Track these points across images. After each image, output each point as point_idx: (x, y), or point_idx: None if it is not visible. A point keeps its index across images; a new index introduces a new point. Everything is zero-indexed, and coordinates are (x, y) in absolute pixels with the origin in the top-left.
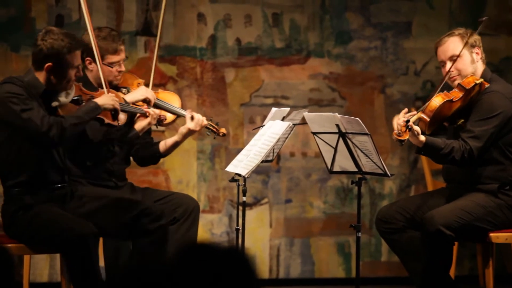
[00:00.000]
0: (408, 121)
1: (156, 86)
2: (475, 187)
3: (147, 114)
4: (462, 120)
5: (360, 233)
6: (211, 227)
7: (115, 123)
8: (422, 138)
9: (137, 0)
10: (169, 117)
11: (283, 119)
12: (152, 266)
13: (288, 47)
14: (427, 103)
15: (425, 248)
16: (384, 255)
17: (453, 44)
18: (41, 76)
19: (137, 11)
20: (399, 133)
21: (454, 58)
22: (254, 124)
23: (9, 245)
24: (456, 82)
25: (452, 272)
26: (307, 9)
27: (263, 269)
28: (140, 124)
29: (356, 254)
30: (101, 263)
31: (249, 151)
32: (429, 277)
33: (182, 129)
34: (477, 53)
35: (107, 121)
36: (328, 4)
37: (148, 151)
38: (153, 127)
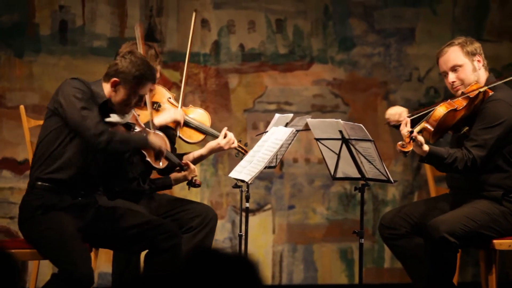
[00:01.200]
0: (412, 132)
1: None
2: (479, 194)
3: (186, 167)
4: (467, 128)
5: (363, 240)
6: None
7: (156, 164)
8: (426, 148)
9: (141, 6)
10: (199, 136)
11: (286, 125)
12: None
13: (291, 53)
14: (431, 112)
15: (429, 255)
16: (387, 262)
17: (453, 54)
18: (106, 89)
19: (140, 17)
20: (403, 145)
21: (455, 68)
22: (257, 130)
23: (18, 250)
24: (460, 92)
25: (455, 279)
26: (310, 15)
27: (266, 275)
28: (175, 175)
29: (359, 260)
30: (108, 269)
31: (252, 157)
32: (432, 284)
33: (212, 143)
34: (478, 60)
35: (148, 158)
36: (332, 10)
37: (144, 194)
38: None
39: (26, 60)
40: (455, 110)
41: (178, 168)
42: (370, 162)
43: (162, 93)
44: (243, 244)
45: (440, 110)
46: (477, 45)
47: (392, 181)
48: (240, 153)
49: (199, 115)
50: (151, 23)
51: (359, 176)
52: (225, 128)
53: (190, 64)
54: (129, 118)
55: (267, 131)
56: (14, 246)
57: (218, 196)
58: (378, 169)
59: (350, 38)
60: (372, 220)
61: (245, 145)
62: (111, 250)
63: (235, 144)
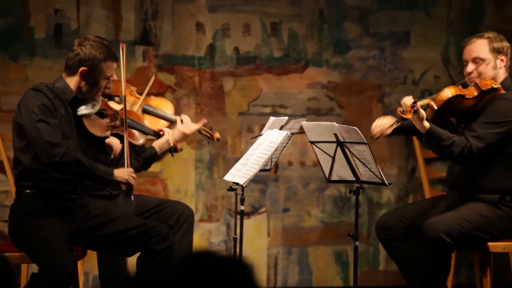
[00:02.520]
0: (415, 102)
1: (154, 95)
2: (476, 197)
3: (162, 133)
4: (470, 123)
5: (358, 242)
6: (209, 236)
7: (136, 141)
8: (427, 124)
9: (136, 9)
10: (162, 123)
11: (281, 128)
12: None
13: (286, 56)
14: (440, 91)
15: (424, 254)
16: (382, 264)
17: (479, 47)
18: (72, 83)
19: (135, 21)
20: (403, 111)
21: (477, 61)
22: (252, 133)
23: (11, 253)
24: (474, 82)
25: (449, 281)
26: (305, 19)
27: (261, 278)
28: (158, 142)
29: (354, 263)
30: (95, 272)
31: (247, 160)
32: (426, 285)
33: (173, 132)
34: (502, 60)
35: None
36: (327, 14)
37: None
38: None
39: (21, 64)
40: (463, 96)
41: (155, 138)
42: (365, 165)
43: (125, 87)
44: (238, 247)
45: (448, 92)
46: (505, 45)
47: (387, 184)
48: (206, 137)
49: (161, 103)
50: (146, 26)
51: (354, 179)
52: (181, 115)
53: (185, 68)
54: (99, 106)
55: (262, 134)
56: (7, 249)
57: (213, 199)
58: (373, 172)
59: (345, 41)
60: (367, 223)
61: (210, 129)
62: (104, 253)
63: (195, 126)
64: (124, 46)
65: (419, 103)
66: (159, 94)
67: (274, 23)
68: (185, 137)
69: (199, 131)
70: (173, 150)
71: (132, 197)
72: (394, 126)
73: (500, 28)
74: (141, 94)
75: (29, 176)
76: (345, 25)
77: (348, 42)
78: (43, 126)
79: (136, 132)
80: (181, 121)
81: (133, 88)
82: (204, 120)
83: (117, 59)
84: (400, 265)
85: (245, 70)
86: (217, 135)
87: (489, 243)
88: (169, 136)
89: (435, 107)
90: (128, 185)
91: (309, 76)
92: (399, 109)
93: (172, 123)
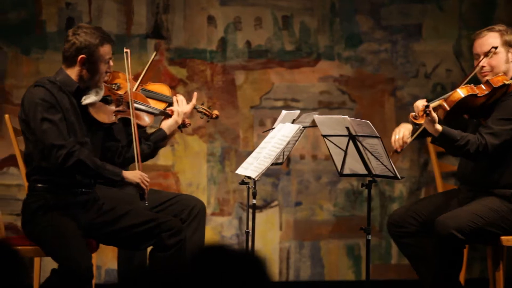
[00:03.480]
0: (427, 106)
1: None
2: (488, 191)
3: (171, 113)
4: (481, 119)
5: (370, 236)
6: (221, 230)
7: (144, 122)
8: (439, 127)
9: (147, 3)
10: (160, 106)
11: (293, 121)
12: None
13: (298, 49)
14: (451, 92)
15: (436, 251)
16: (394, 258)
17: (491, 39)
18: (73, 73)
19: (147, 14)
20: (416, 116)
21: (490, 54)
22: (264, 126)
23: (24, 247)
24: (486, 78)
25: (462, 275)
26: (317, 12)
27: (273, 272)
28: (166, 123)
29: (366, 257)
30: (115, 266)
31: (259, 153)
32: (439, 281)
33: (168, 122)
34: None
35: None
36: (338, 7)
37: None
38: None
39: (33, 57)
40: (475, 95)
41: (164, 117)
42: (377, 158)
43: (121, 76)
44: (250, 240)
45: (460, 92)
46: None
47: (399, 178)
48: (205, 115)
49: (158, 87)
50: (158, 20)
51: (366, 172)
52: (176, 95)
53: (197, 61)
54: (103, 93)
55: (274, 128)
56: (20, 243)
57: (225, 193)
58: (385, 166)
59: (357, 35)
60: (379, 216)
61: (209, 108)
62: (117, 247)
63: (190, 104)
64: (129, 51)
65: (431, 106)
66: (171, 87)
67: (286, 17)
68: (185, 115)
69: (195, 108)
70: (181, 126)
71: (146, 202)
72: (414, 136)
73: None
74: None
75: (41, 171)
76: (357, 19)
77: (360, 35)
78: (47, 126)
79: (143, 114)
80: (177, 101)
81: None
82: (195, 94)
83: (112, 41)
84: (412, 261)
85: (256, 64)
86: (215, 112)
87: (502, 237)
88: (178, 116)
89: (448, 108)
90: (140, 189)
91: (321, 70)
92: (412, 114)
93: (170, 105)
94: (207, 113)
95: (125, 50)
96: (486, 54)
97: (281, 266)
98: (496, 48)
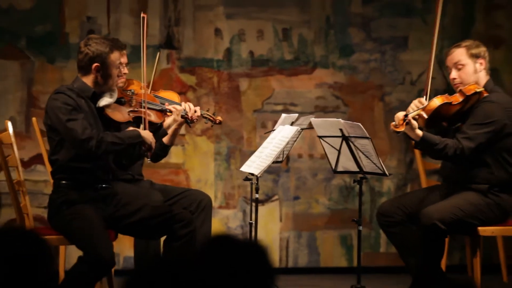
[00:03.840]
0: (406, 115)
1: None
2: (468, 186)
3: (170, 110)
4: (459, 124)
5: (361, 227)
6: (227, 221)
7: (157, 120)
8: (419, 132)
9: (160, 17)
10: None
11: (292, 124)
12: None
13: (296, 59)
14: (429, 102)
15: (421, 239)
16: (383, 247)
17: (459, 54)
18: (88, 80)
19: (160, 27)
20: (396, 125)
21: (458, 67)
22: (266, 128)
23: (50, 236)
24: (459, 88)
25: (443, 262)
26: (313, 25)
27: (274, 259)
28: (167, 121)
29: (358, 245)
30: (132, 254)
31: (261, 153)
32: (423, 266)
33: (168, 121)
34: (481, 63)
35: (150, 119)
36: (333, 20)
37: (156, 148)
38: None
39: (58, 66)
40: (450, 103)
41: (167, 113)
42: (367, 157)
43: (136, 84)
44: (253, 231)
45: (436, 101)
46: (482, 49)
47: (387, 174)
48: (209, 120)
49: (167, 94)
50: (170, 32)
51: (357, 170)
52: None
53: (205, 69)
54: (116, 95)
55: (274, 130)
56: (47, 233)
57: (230, 188)
58: (374, 164)
59: (349, 46)
60: (369, 209)
61: (214, 114)
62: (134, 237)
63: (195, 109)
64: (146, 16)
65: (411, 115)
66: (182, 93)
67: (285, 29)
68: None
69: (201, 114)
70: (190, 121)
71: (149, 159)
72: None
73: (489, 33)
74: (153, 89)
75: (64, 170)
76: (349, 31)
77: (352, 46)
78: (73, 124)
79: (155, 113)
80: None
81: (144, 84)
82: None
83: (121, 48)
84: (398, 249)
85: (259, 72)
86: (219, 118)
87: (479, 228)
88: (175, 114)
89: (426, 116)
90: (149, 149)
91: (317, 77)
92: (392, 123)
93: None
94: (211, 118)
95: (142, 15)
96: (456, 67)
97: (281, 254)
98: (463, 64)
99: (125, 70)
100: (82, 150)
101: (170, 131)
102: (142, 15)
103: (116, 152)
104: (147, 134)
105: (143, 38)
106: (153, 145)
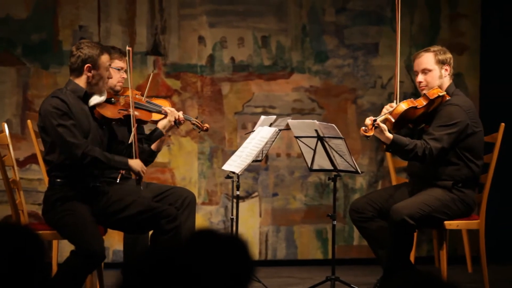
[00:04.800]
0: (375, 120)
1: (163, 97)
2: (433, 183)
3: (165, 112)
4: (424, 125)
5: (335, 222)
6: (210, 217)
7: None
8: (390, 135)
9: (147, 25)
10: (159, 116)
11: (270, 125)
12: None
13: (274, 64)
14: (395, 106)
15: (391, 234)
16: (356, 240)
17: (427, 59)
18: (81, 82)
19: (147, 35)
20: (366, 130)
21: (425, 71)
22: (246, 129)
23: (44, 231)
24: (423, 92)
25: (412, 254)
26: (290, 33)
27: (254, 252)
28: (161, 123)
29: (332, 239)
30: (121, 247)
31: (242, 152)
32: (392, 259)
33: (163, 122)
34: (446, 69)
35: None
36: (309, 29)
37: (145, 154)
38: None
39: (52, 72)
40: (415, 107)
41: (161, 114)
42: (341, 156)
43: (134, 93)
44: (234, 226)
45: (402, 105)
46: (448, 56)
47: (360, 172)
48: (197, 127)
49: (159, 101)
50: (156, 39)
51: (332, 168)
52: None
53: (189, 74)
54: (105, 95)
55: (254, 131)
56: (41, 228)
57: (213, 185)
58: (348, 162)
59: (324, 52)
60: (343, 205)
61: (202, 122)
62: (123, 232)
63: (180, 115)
64: (130, 49)
65: (379, 120)
66: (167, 97)
67: (264, 37)
68: (171, 126)
69: (190, 120)
70: (177, 123)
71: (141, 187)
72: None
73: (453, 41)
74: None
75: (59, 169)
76: (324, 38)
77: (327, 52)
78: (62, 130)
79: (142, 112)
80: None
81: (138, 92)
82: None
83: (109, 52)
84: (370, 242)
85: (240, 77)
86: (206, 125)
87: (445, 222)
88: (170, 116)
89: (393, 120)
90: (139, 176)
91: (294, 81)
92: (362, 128)
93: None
94: (199, 125)
95: (127, 48)
96: (423, 72)
97: (260, 247)
98: (430, 70)
99: (124, 75)
100: (68, 156)
101: (164, 132)
102: (127, 48)
103: (99, 169)
104: (135, 163)
105: (130, 69)
106: (143, 172)
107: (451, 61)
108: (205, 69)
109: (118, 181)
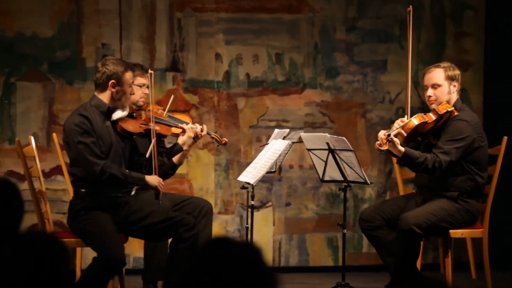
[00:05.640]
0: (389, 135)
1: (181, 112)
2: (440, 193)
3: (183, 129)
4: (431, 138)
5: (345, 230)
6: (225, 226)
7: (173, 134)
8: (402, 148)
9: (167, 42)
10: (175, 129)
11: (284, 138)
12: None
13: (288, 80)
14: (407, 121)
15: (399, 242)
16: (365, 248)
17: (437, 75)
18: (104, 97)
19: (166, 52)
20: (380, 144)
21: (435, 86)
22: (261, 142)
23: (68, 239)
24: (432, 106)
25: (418, 261)
26: (303, 50)
27: (268, 259)
28: (181, 139)
29: (342, 247)
30: (141, 254)
31: (257, 164)
32: (400, 266)
33: (183, 138)
34: (454, 85)
35: (163, 133)
36: (320, 46)
37: (166, 166)
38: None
39: (76, 87)
40: (426, 122)
41: (179, 133)
42: (351, 168)
43: (156, 108)
44: (249, 234)
45: (414, 121)
46: (457, 72)
47: (369, 183)
48: (215, 140)
49: (181, 116)
50: (175, 56)
51: (342, 179)
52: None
53: (206, 90)
54: (128, 110)
55: (268, 143)
56: (65, 236)
57: (229, 195)
58: (357, 173)
59: (335, 68)
60: (353, 214)
61: (221, 136)
62: (143, 239)
63: (199, 129)
64: (152, 72)
65: (392, 134)
66: (186, 111)
67: (278, 54)
68: (192, 141)
69: (209, 134)
70: (196, 138)
71: (160, 201)
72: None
73: (458, 58)
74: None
75: (82, 180)
76: (335, 55)
77: (337, 69)
78: (82, 147)
79: (164, 126)
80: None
81: (160, 108)
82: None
83: (133, 69)
84: (378, 250)
85: (254, 92)
86: (224, 139)
87: (450, 231)
88: (189, 132)
89: (405, 134)
90: (157, 191)
91: (306, 96)
92: (377, 143)
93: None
94: (218, 139)
95: (149, 71)
96: (433, 87)
97: (274, 255)
98: (439, 85)
99: (146, 90)
100: (87, 173)
101: (185, 148)
102: (150, 71)
103: (117, 184)
104: (152, 179)
105: (151, 89)
106: (160, 187)
107: (459, 77)
108: (222, 84)
109: (133, 193)
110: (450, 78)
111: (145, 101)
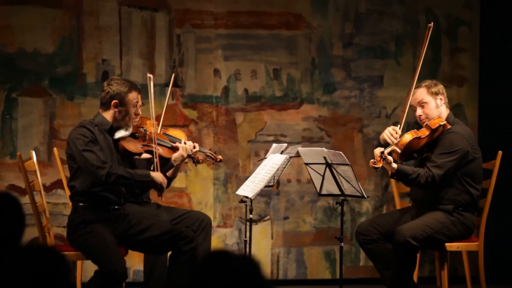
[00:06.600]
0: (383, 152)
1: (180, 127)
2: (435, 207)
3: (177, 147)
4: (428, 154)
5: (343, 243)
6: (224, 239)
7: (169, 155)
8: (395, 165)
9: (166, 59)
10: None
11: (281, 152)
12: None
13: (285, 95)
14: (400, 138)
15: (395, 255)
16: (362, 261)
17: (420, 93)
18: (108, 115)
19: (166, 68)
20: (375, 162)
21: (422, 105)
22: (259, 156)
23: (69, 252)
24: (425, 123)
25: (415, 274)
26: (300, 66)
27: (266, 272)
28: (173, 155)
29: (340, 260)
30: (141, 267)
31: (255, 178)
32: (396, 279)
33: (175, 155)
34: (440, 99)
35: (162, 155)
36: (317, 62)
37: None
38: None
39: (76, 102)
40: (419, 138)
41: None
42: (348, 182)
43: (146, 120)
44: (247, 247)
45: (407, 137)
46: (440, 87)
47: (366, 197)
48: (211, 158)
49: (175, 133)
50: (174, 72)
51: (339, 193)
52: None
53: (205, 105)
54: (131, 130)
55: (266, 158)
56: (66, 249)
57: (227, 209)
58: (354, 187)
59: (332, 84)
60: (350, 228)
61: (215, 152)
62: (143, 253)
63: (192, 147)
64: (151, 76)
65: (386, 151)
66: (185, 126)
67: (276, 69)
68: (182, 158)
69: (204, 152)
70: (196, 162)
71: (162, 198)
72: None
73: (454, 73)
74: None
75: (82, 194)
76: (332, 71)
77: (335, 84)
78: (87, 154)
79: (164, 148)
80: (185, 142)
81: (155, 122)
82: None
83: (138, 89)
84: (375, 263)
85: (252, 107)
86: (219, 156)
87: (446, 244)
88: (182, 150)
89: (399, 151)
90: (161, 187)
91: (304, 111)
92: (371, 160)
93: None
94: (213, 156)
95: (148, 75)
96: (420, 105)
97: (272, 268)
98: (426, 102)
99: (139, 110)
100: (94, 177)
101: (176, 164)
102: (148, 75)
103: (125, 186)
104: (157, 175)
105: (151, 98)
106: (164, 184)
107: (443, 90)
108: (220, 100)
109: (162, 199)
110: (435, 93)
111: (139, 119)
